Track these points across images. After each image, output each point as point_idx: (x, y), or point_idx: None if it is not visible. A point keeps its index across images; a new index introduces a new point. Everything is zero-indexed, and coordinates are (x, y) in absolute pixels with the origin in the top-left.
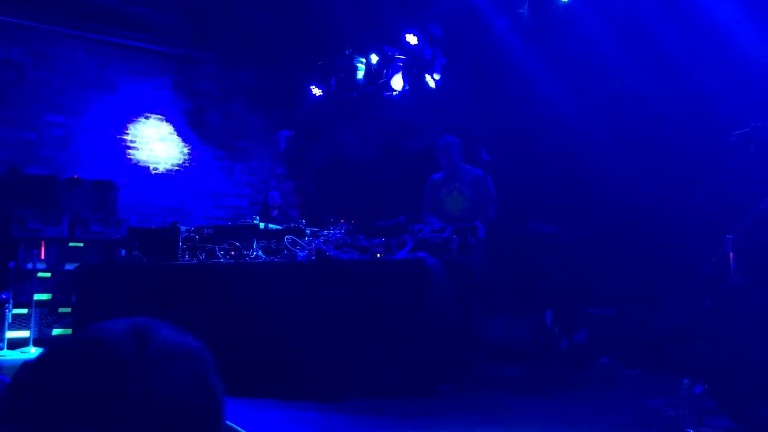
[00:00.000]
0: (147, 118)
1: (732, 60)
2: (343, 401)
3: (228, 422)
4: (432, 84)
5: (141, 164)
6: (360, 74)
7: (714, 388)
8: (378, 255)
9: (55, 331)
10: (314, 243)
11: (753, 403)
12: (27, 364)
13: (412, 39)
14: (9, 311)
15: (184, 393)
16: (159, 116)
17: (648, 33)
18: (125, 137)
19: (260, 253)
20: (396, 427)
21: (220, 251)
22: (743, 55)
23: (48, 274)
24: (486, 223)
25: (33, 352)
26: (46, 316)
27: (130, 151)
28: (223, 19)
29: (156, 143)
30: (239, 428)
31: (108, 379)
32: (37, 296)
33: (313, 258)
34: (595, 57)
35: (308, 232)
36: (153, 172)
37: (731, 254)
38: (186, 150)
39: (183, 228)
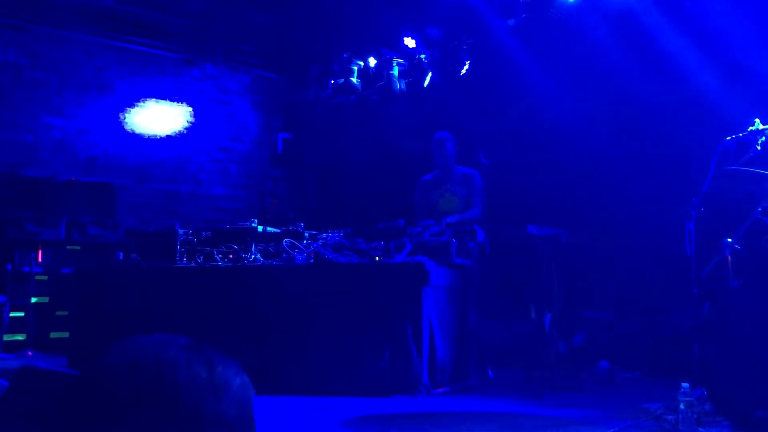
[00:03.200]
0: (145, 120)
1: (730, 62)
2: (339, 402)
3: None
4: (430, 86)
5: (139, 166)
6: (358, 77)
7: (713, 391)
8: (377, 258)
9: (53, 335)
10: (313, 246)
11: (752, 406)
12: (27, 368)
13: (410, 42)
14: (6, 314)
15: (239, 417)
16: (157, 119)
17: (646, 36)
18: (123, 139)
19: (258, 256)
20: (392, 429)
21: (218, 254)
22: (741, 58)
23: (45, 277)
24: (472, 220)
25: (30, 355)
26: (43, 319)
27: (127, 153)
28: (222, 21)
29: (153, 146)
30: None
31: (180, 403)
32: (34, 299)
33: (312, 261)
34: (594, 59)
35: (306, 235)
36: (151, 173)
37: (729, 258)
38: (183, 153)
39: (181, 231)
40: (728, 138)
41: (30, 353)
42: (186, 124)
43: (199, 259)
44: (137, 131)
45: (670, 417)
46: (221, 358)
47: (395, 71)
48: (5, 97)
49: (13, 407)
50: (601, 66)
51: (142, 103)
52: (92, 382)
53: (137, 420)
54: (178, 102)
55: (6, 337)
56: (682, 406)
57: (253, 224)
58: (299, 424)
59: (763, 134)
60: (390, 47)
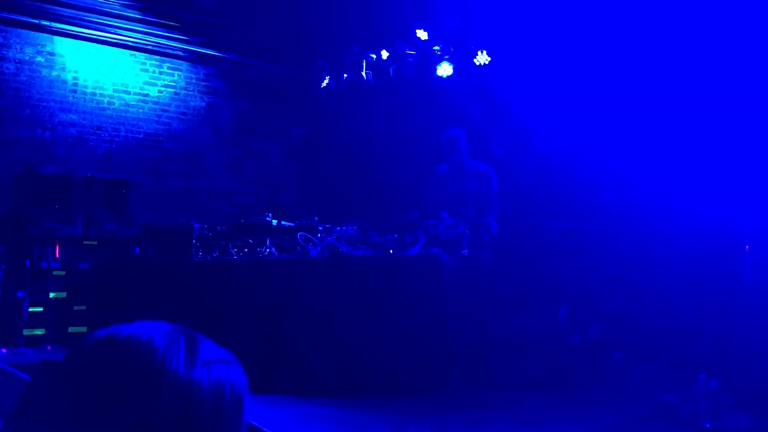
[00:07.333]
0: (159, 116)
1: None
2: (357, 397)
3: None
4: (443, 78)
5: (154, 162)
6: (370, 69)
7: (731, 382)
8: (391, 251)
9: (71, 329)
10: (327, 239)
11: None
12: (48, 363)
13: (422, 34)
14: (25, 309)
15: (218, 397)
16: (171, 115)
17: (646, 27)
18: (138, 136)
19: (273, 250)
20: (410, 423)
21: (233, 248)
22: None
23: (63, 273)
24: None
25: (49, 349)
26: (61, 314)
27: (143, 149)
28: (234, 18)
29: (168, 141)
30: (260, 426)
31: (152, 380)
32: (52, 294)
33: (326, 254)
34: (600, 51)
35: (321, 228)
36: (166, 169)
37: (747, 248)
38: (198, 148)
39: (196, 225)
40: None
41: (49, 348)
42: (200, 120)
43: (215, 253)
44: (152, 128)
45: (687, 408)
46: (206, 341)
47: (408, 64)
48: (23, 95)
49: (35, 401)
50: (610, 60)
51: (156, 100)
52: (69, 364)
53: (112, 396)
54: (192, 98)
55: (25, 332)
56: (699, 398)
57: (267, 218)
58: (316, 413)
59: None
60: (402, 39)
